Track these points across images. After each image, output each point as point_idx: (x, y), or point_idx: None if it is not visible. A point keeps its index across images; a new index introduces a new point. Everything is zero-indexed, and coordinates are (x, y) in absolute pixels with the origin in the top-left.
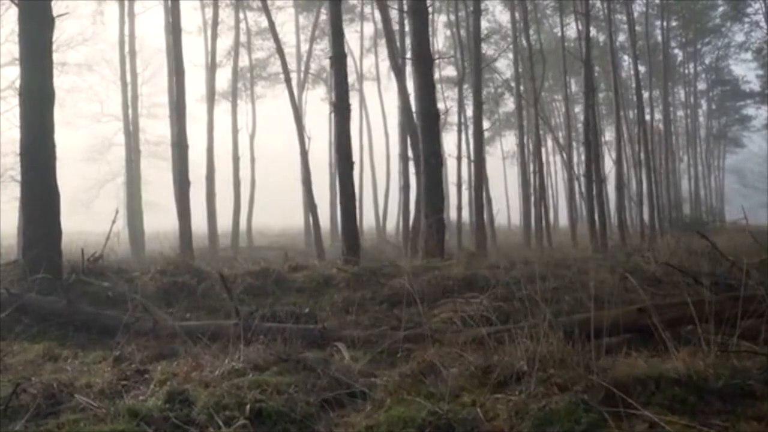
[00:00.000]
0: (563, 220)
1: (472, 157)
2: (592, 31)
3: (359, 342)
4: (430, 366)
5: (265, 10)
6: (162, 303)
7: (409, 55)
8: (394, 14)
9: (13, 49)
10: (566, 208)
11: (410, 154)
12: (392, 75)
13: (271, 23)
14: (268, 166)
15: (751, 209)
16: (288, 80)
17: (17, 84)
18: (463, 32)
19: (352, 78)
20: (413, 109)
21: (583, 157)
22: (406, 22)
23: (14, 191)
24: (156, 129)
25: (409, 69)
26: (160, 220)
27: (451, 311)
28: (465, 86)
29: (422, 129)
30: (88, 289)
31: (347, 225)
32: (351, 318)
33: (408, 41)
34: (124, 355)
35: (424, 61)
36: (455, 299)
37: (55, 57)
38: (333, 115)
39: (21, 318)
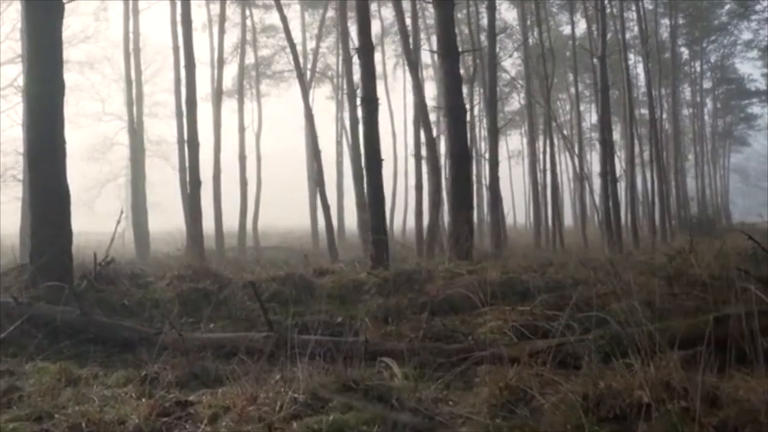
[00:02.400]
0: (568, 219)
1: (487, 156)
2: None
3: (407, 357)
4: (515, 392)
5: (277, 5)
6: (182, 311)
7: (420, 50)
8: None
9: (15, 46)
10: (570, 207)
11: (423, 152)
12: (396, 73)
13: (283, 17)
14: (270, 166)
15: (753, 208)
16: (300, 76)
17: (18, 82)
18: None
19: (356, 77)
20: (424, 105)
21: (588, 156)
22: (419, 16)
23: (15, 191)
24: (157, 128)
25: (420, 65)
26: (161, 220)
27: (499, 320)
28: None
29: (449, 125)
30: (102, 296)
31: (376, 227)
32: (391, 328)
33: (419, 37)
34: (151, 375)
35: (451, 55)
36: (501, 307)
37: None
38: (360, 110)
39: (31, 330)
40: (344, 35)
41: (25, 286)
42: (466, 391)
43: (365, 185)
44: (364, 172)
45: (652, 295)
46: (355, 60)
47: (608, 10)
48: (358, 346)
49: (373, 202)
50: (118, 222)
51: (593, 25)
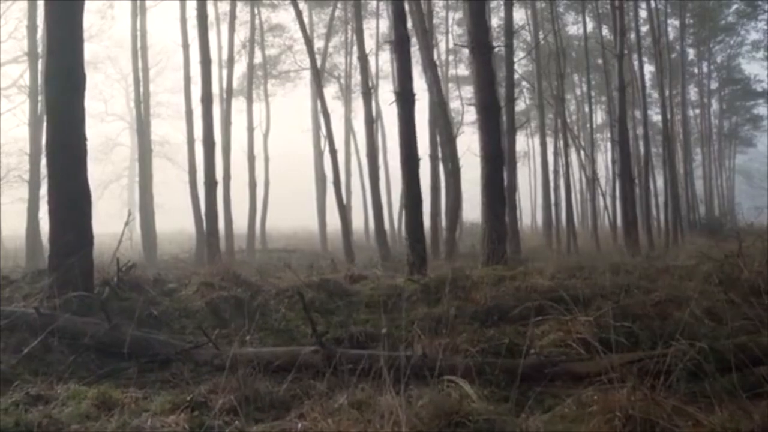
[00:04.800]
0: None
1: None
2: (605, 30)
3: (474, 374)
4: (635, 422)
5: (293, 2)
6: (214, 322)
7: (433, 49)
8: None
9: (17, 45)
10: (576, 208)
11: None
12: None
13: (298, 12)
14: (274, 166)
15: (758, 210)
16: (317, 73)
17: (24, 80)
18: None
19: (370, 73)
20: (444, 104)
21: (596, 157)
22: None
23: (18, 192)
24: (160, 129)
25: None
26: (162, 221)
27: (559, 331)
28: None
29: (482, 123)
30: (126, 305)
31: (413, 230)
32: (445, 341)
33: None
34: (198, 399)
35: (483, 49)
36: (558, 316)
37: None
38: (396, 105)
39: (54, 344)
40: (359, 33)
41: (46, 296)
42: (559, 416)
43: (402, 185)
44: (401, 172)
45: (710, 304)
46: (373, 56)
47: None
48: (415, 362)
49: (409, 203)
50: (126, 223)
51: (603, 25)
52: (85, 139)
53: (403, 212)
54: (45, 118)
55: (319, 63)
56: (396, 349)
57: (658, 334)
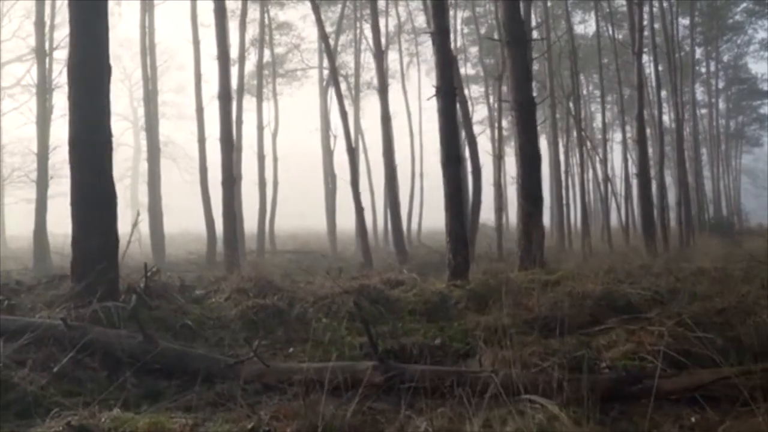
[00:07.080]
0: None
1: None
2: (615, 28)
3: (554, 392)
4: None
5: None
6: (252, 333)
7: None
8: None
9: (21, 44)
10: (590, 208)
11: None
12: (410, 72)
13: (315, 6)
14: (281, 166)
15: (760, 211)
16: (334, 69)
17: (31, 77)
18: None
19: (369, 76)
20: (465, 102)
21: (604, 156)
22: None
23: (23, 192)
24: (162, 129)
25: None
26: (165, 222)
27: (629, 342)
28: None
29: (518, 120)
30: (156, 315)
31: (456, 233)
32: (508, 354)
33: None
34: (262, 427)
35: (519, 43)
36: (624, 326)
37: (61, 54)
38: (436, 100)
39: (84, 360)
40: (375, 29)
41: (73, 306)
42: None
43: (444, 185)
44: (442, 171)
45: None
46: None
47: (622, 8)
48: (485, 378)
49: (451, 204)
50: (135, 224)
51: (613, 23)
52: (110, 134)
53: (445, 215)
54: (54, 114)
55: (326, 61)
56: (455, 363)
57: (746, 346)
